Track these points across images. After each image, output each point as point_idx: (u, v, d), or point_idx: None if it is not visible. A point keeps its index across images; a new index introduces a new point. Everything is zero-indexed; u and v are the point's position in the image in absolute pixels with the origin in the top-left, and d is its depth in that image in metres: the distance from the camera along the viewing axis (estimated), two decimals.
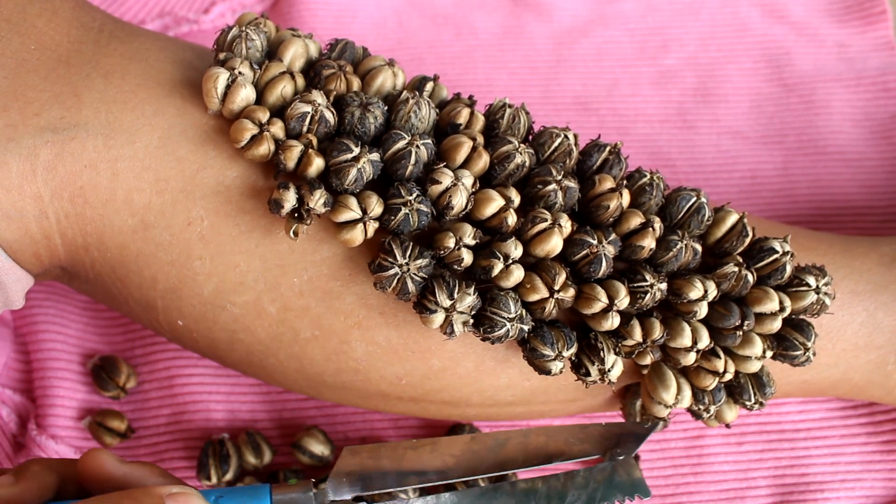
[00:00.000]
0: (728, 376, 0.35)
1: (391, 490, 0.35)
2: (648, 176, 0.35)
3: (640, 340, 0.34)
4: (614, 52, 0.57)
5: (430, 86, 0.37)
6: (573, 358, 0.34)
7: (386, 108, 0.35)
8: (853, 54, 0.57)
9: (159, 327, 0.39)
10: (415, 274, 0.32)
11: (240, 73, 0.34)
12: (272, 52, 0.37)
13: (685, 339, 0.34)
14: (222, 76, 0.34)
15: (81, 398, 0.45)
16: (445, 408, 0.39)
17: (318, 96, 0.34)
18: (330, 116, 0.34)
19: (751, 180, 0.52)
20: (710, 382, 0.35)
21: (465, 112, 0.35)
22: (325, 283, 0.35)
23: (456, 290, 0.32)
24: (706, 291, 0.34)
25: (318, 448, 0.42)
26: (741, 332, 0.34)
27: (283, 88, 0.34)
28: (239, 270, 0.35)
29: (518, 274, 0.33)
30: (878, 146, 0.53)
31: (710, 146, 0.54)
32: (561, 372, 0.34)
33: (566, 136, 0.35)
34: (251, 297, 0.35)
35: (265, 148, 0.33)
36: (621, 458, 0.37)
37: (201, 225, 0.34)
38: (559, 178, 0.34)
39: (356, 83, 0.35)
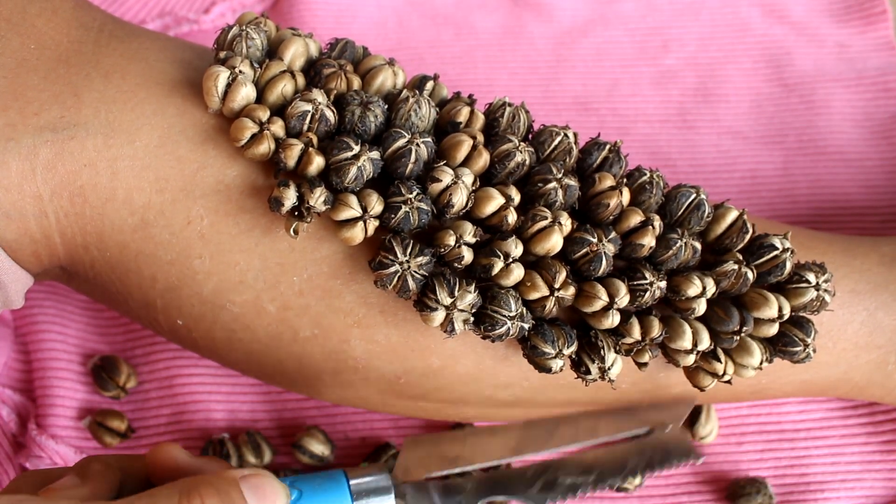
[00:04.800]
0: (727, 378, 0.35)
1: (459, 469, 0.36)
2: (648, 174, 0.35)
3: (639, 339, 0.34)
4: (614, 52, 0.57)
5: (430, 85, 0.37)
6: (573, 356, 0.34)
7: (386, 106, 0.35)
8: (853, 54, 0.57)
9: (159, 327, 0.39)
10: (415, 271, 0.32)
11: (240, 71, 0.34)
12: (272, 51, 0.37)
13: (685, 342, 0.34)
14: (223, 75, 0.34)
15: (81, 398, 0.45)
16: (444, 407, 0.39)
17: (318, 95, 0.34)
18: (330, 115, 0.34)
19: (751, 180, 0.52)
20: (709, 383, 0.35)
21: (465, 110, 0.35)
22: (325, 281, 0.35)
23: (456, 288, 0.32)
24: (704, 288, 0.34)
25: (318, 448, 0.42)
26: (738, 338, 0.34)
27: (284, 87, 0.34)
28: (239, 269, 0.35)
29: (518, 272, 0.33)
30: (878, 146, 0.53)
31: (710, 146, 0.54)
32: (561, 370, 0.34)
33: (566, 135, 0.35)
34: (251, 296, 0.35)
35: (265, 146, 0.33)
36: (669, 428, 0.39)
37: (201, 224, 0.34)
38: (559, 176, 0.34)
39: (356, 82, 0.35)
